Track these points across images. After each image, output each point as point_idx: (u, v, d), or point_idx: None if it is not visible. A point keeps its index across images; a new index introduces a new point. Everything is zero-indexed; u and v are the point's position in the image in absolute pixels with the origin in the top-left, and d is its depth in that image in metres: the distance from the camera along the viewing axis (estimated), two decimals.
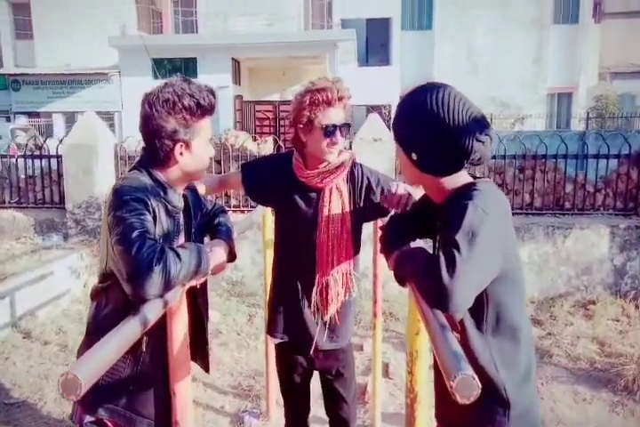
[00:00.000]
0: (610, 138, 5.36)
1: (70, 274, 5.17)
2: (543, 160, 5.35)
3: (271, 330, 2.18)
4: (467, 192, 1.33)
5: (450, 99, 1.32)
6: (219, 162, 5.69)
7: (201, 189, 1.98)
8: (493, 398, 1.36)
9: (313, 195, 2.04)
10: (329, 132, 1.91)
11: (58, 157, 5.87)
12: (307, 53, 13.78)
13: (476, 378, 0.91)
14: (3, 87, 16.68)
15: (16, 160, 6.07)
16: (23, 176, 6.06)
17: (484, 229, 1.23)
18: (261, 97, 15.63)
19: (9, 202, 6.02)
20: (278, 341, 2.18)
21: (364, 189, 2.07)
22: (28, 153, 6.12)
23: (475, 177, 1.44)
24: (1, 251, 5.46)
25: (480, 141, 1.32)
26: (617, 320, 4.59)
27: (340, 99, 1.92)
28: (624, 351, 3.93)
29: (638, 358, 3.73)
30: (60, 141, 5.80)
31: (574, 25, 17.71)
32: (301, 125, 1.94)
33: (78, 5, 16.64)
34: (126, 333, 1.15)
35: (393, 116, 1.48)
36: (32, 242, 5.72)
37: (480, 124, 1.33)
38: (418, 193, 1.79)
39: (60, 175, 5.86)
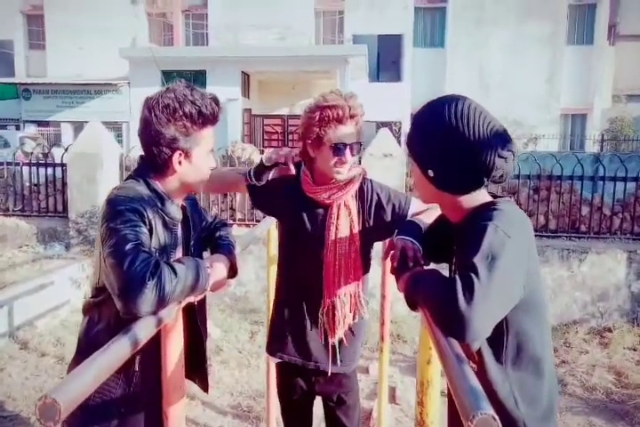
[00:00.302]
0: (626, 161, 5.25)
1: (71, 284, 5.11)
2: (558, 181, 5.25)
3: (271, 349, 2.07)
4: (486, 212, 1.23)
5: (470, 111, 1.23)
6: None
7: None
8: None
9: (320, 211, 1.93)
10: (338, 150, 1.82)
11: (62, 165, 5.83)
12: (317, 68, 13.81)
13: (498, 419, 0.81)
14: (14, 96, 16.85)
15: (21, 168, 6.04)
16: (28, 184, 6.02)
17: (506, 252, 1.14)
18: (270, 111, 15.65)
19: (12, 210, 5.98)
20: (277, 360, 2.07)
21: (373, 207, 1.96)
22: (34, 161, 6.11)
23: (495, 196, 1.34)
24: (2, 259, 5.41)
25: (502, 157, 1.23)
26: (634, 349, 4.44)
27: (352, 116, 1.82)
28: None
29: None
30: (66, 150, 5.76)
31: (589, 46, 17.68)
32: (310, 141, 1.85)
33: (91, 17, 16.87)
34: (114, 353, 1.05)
35: (407, 130, 1.38)
36: (34, 251, 5.67)
37: (502, 139, 1.24)
38: (433, 213, 1.68)
39: (64, 184, 5.82)
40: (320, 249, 1.90)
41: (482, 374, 1.25)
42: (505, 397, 1.24)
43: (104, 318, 1.48)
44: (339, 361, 1.98)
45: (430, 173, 1.29)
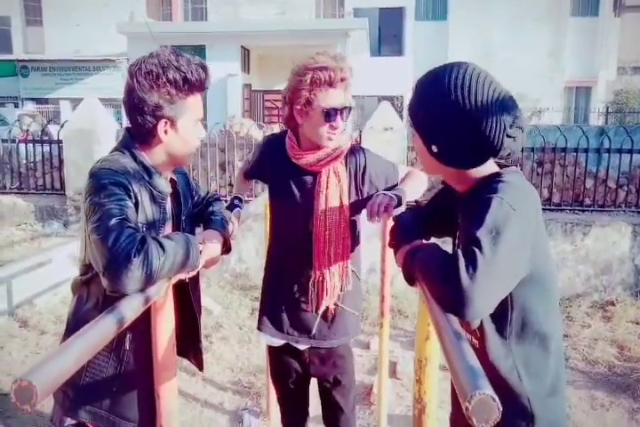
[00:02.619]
0: (631, 133, 5.14)
1: (70, 262, 5.06)
2: (563, 154, 5.17)
3: (262, 325, 2.01)
4: (491, 184, 1.17)
5: (477, 84, 1.14)
6: (223, 150, 5.55)
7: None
8: (516, 411, 1.22)
9: (308, 179, 1.86)
10: (329, 116, 1.74)
11: (59, 142, 5.77)
12: (317, 42, 13.54)
13: (497, 399, 0.75)
14: (12, 73, 16.74)
15: (17, 145, 5.96)
16: (24, 161, 5.97)
17: (511, 226, 1.08)
18: (271, 86, 15.47)
19: (10, 187, 5.96)
20: (268, 340, 2.02)
21: (365, 176, 1.89)
22: (30, 138, 6.07)
23: (501, 165, 1.27)
24: (0, 237, 5.41)
25: (510, 137, 1.16)
26: (637, 323, 4.41)
27: (343, 79, 1.74)
28: None
29: None
30: (62, 126, 5.68)
31: (594, 18, 17.38)
32: (298, 106, 1.77)
33: None
34: (97, 332, 1.00)
35: (410, 100, 1.30)
36: (32, 229, 5.66)
37: (511, 114, 1.16)
38: (416, 179, 1.72)
39: (60, 161, 5.77)
40: (309, 219, 1.85)
41: (484, 349, 1.21)
42: (508, 372, 1.21)
43: (93, 296, 1.44)
44: (330, 335, 1.93)
45: (434, 148, 1.22)
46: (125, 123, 13.43)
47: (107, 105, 6.02)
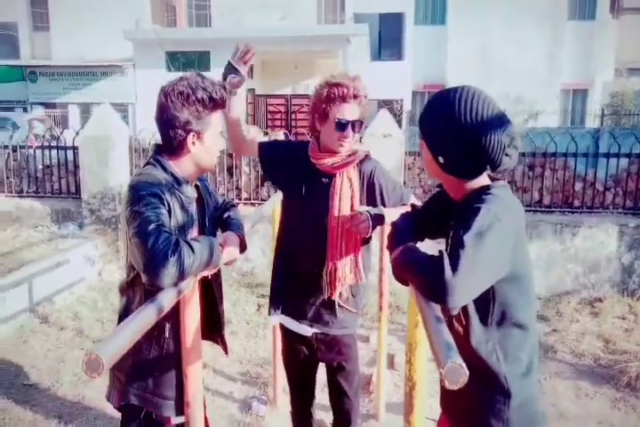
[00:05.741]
0: (622, 136, 5.35)
1: (85, 262, 5.29)
2: (553, 158, 5.36)
3: (272, 307, 2.25)
4: (483, 195, 1.37)
5: (483, 108, 1.33)
6: (230, 155, 5.76)
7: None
8: (494, 389, 1.41)
9: (325, 180, 2.12)
10: (340, 126, 2.02)
11: (74, 148, 5.97)
12: (319, 48, 13.77)
13: (464, 366, 0.96)
14: (20, 78, 16.92)
15: (34, 151, 6.19)
16: (40, 166, 6.18)
17: (493, 232, 1.26)
18: (273, 91, 15.62)
19: (27, 191, 6.17)
20: (278, 320, 2.26)
21: (373, 188, 2.15)
22: (46, 144, 6.25)
23: (492, 178, 1.47)
24: (19, 239, 5.60)
25: (508, 155, 1.36)
26: (623, 318, 4.60)
27: (356, 96, 2.01)
28: (628, 349, 3.96)
29: None
30: (77, 133, 5.90)
31: (591, 21, 17.42)
32: (317, 115, 2.06)
33: None
34: (143, 318, 1.22)
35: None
36: (49, 231, 5.85)
37: (509, 135, 1.36)
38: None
39: (76, 166, 5.98)
40: (324, 216, 2.10)
41: (467, 336, 1.41)
42: (488, 354, 1.40)
43: (138, 294, 1.63)
44: (336, 323, 2.16)
45: (441, 159, 1.40)
46: (132, 126, 13.50)
47: (115, 110, 6.23)
